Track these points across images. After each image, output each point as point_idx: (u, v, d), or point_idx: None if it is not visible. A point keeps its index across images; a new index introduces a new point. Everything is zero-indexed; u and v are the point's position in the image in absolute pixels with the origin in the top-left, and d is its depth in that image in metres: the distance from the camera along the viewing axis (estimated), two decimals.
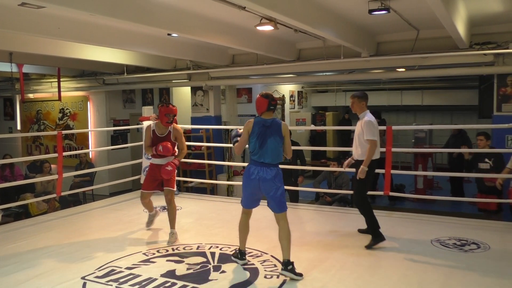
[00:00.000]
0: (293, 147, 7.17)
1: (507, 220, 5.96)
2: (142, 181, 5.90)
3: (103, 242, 4.87)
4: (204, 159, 9.36)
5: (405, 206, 9.32)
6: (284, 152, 4.12)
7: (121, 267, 4.04)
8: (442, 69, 7.69)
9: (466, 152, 6.99)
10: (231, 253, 4.36)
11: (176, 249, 4.60)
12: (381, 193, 6.43)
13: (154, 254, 4.44)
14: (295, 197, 7.38)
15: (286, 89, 14.21)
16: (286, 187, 7.00)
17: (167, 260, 4.25)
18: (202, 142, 9.46)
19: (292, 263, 3.80)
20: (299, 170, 7.34)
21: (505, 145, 6.84)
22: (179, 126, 5.18)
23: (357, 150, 4.77)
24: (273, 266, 4.08)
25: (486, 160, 6.21)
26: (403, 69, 8.34)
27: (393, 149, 5.89)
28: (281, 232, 3.96)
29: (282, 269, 3.83)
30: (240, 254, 4.20)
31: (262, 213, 6.30)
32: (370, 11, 5.13)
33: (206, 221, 5.80)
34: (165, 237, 4.90)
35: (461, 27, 5.73)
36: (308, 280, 3.76)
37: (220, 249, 4.56)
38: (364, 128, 4.64)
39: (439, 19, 5.00)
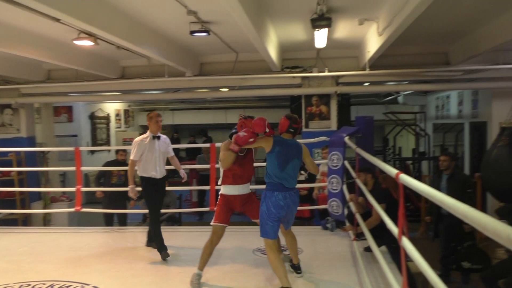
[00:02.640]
0: (124, 168, 6.95)
1: (318, 224, 6.72)
2: None
3: None
4: (14, 186, 8.27)
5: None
6: (312, 171, 4.10)
7: None
8: (259, 89, 8.36)
9: None
10: None
11: None
12: (207, 209, 6.60)
13: None
14: (123, 220, 7.07)
15: (112, 108, 13.62)
16: (116, 211, 6.74)
17: None
18: (12, 166, 8.35)
19: None
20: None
21: (313, 157, 7.73)
22: None
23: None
24: None
25: (302, 172, 6.90)
26: (226, 89, 8.79)
27: (218, 165, 6.11)
28: (293, 240, 4.07)
29: (298, 272, 4.05)
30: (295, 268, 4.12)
31: (83, 240, 5.88)
32: (191, 32, 5.29)
33: (15, 256, 5.07)
34: None
35: (273, 52, 6.32)
36: None
37: (33, 287, 4.05)
38: None
39: (253, 44, 5.43)
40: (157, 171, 4.77)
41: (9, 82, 8.44)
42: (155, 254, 5.03)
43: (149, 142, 4.74)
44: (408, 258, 4.48)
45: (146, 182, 4.76)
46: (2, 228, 6.80)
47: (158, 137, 4.84)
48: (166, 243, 5.34)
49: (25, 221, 8.58)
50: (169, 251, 4.75)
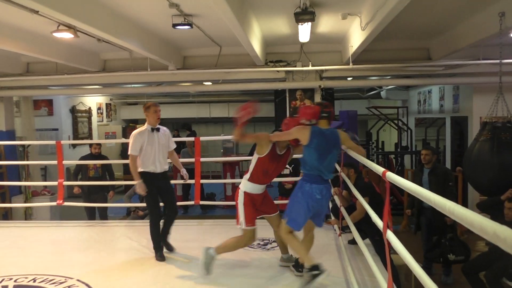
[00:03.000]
0: (103, 162, 6.95)
1: None
2: None
3: None
4: None
5: (216, 213, 9.74)
6: (360, 154, 3.67)
7: None
8: (243, 83, 8.35)
9: None
10: (30, 283, 3.87)
11: None
12: (191, 202, 6.59)
13: None
14: (104, 214, 7.02)
15: (93, 101, 13.43)
16: (98, 204, 6.70)
17: None
18: None
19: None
20: (110, 185, 7.02)
21: None
22: None
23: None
24: None
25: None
26: (209, 83, 8.75)
27: (202, 159, 6.11)
28: (311, 241, 3.92)
29: (299, 271, 3.83)
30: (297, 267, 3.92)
31: (65, 234, 5.81)
32: (174, 25, 5.25)
33: None
34: None
35: (256, 46, 6.31)
36: None
37: (15, 281, 3.99)
38: None
39: (237, 37, 5.41)
40: (157, 166, 4.47)
41: None
42: (139, 247, 5.01)
43: (148, 135, 4.45)
44: (391, 251, 4.56)
45: (145, 177, 4.44)
46: None
47: (158, 129, 4.55)
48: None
49: (6, 215, 8.44)
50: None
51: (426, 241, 5.87)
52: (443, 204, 1.54)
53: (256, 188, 3.85)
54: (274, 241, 5.10)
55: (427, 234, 5.86)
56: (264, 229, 5.76)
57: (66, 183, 6.52)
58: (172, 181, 8.91)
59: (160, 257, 4.46)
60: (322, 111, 3.61)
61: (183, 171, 4.96)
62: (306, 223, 3.67)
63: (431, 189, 5.54)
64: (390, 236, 2.34)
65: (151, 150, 4.43)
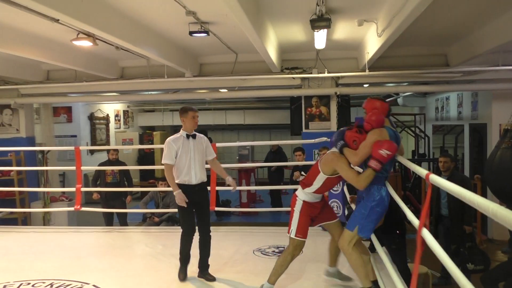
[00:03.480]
0: (121, 167, 7.04)
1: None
2: None
3: None
4: (14, 186, 8.26)
5: (231, 220, 9.75)
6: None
7: None
8: (259, 90, 8.36)
9: (297, 174, 6.82)
10: None
11: None
12: None
13: None
14: (124, 219, 7.12)
15: (111, 108, 13.61)
16: (114, 210, 6.78)
17: None
18: (12, 166, 8.35)
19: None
20: (127, 190, 7.11)
21: (313, 158, 7.73)
22: None
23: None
24: None
25: (303, 173, 6.88)
26: (225, 90, 8.79)
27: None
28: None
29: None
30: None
31: (82, 240, 5.88)
32: (191, 33, 5.30)
33: (15, 255, 5.11)
34: None
35: (272, 53, 6.32)
36: None
37: (33, 286, 4.05)
38: None
39: (253, 44, 5.43)
40: (192, 176, 4.06)
41: (8, 83, 8.44)
42: (155, 254, 5.04)
43: (182, 142, 4.08)
44: (408, 259, 4.47)
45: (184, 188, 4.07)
46: (2, 227, 6.83)
47: (194, 136, 4.17)
48: (166, 242, 5.36)
49: (25, 220, 8.57)
50: (170, 252, 4.70)
51: (444, 250, 5.76)
52: (486, 206, 1.54)
53: (315, 197, 3.67)
54: None
55: (445, 243, 5.75)
56: (278, 235, 5.76)
57: (84, 189, 6.61)
58: None
59: (182, 273, 4.14)
60: (390, 109, 3.48)
61: (229, 179, 4.47)
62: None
63: (449, 196, 5.47)
64: (426, 234, 2.35)
65: (186, 158, 4.06)
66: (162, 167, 4.13)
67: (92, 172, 10.92)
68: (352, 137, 3.44)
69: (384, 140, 3.20)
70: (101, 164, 7.29)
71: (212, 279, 4.13)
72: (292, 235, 3.62)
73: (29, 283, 4.10)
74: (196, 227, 4.21)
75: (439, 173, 5.81)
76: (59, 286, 4.01)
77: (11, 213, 8.07)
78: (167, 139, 4.14)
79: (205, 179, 4.20)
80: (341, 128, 3.65)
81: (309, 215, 3.65)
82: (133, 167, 8.92)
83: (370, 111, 3.42)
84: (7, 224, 7.39)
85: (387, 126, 3.36)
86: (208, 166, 4.55)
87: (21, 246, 5.54)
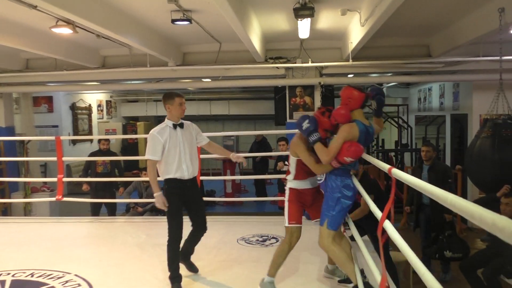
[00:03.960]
0: (112, 158, 6.96)
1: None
2: None
3: None
4: None
5: (216, 210, 9.76)
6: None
7: None
8: (243, 80, 8.32)
9: (281, 165, 6.78)
10: (28, 278, 3.87)
11: None
12: None
13: None
14: (113, 210, 7.09)
15: (93, 98, 13.41)
16: (101, 200, 6.71)
17: None
18: None
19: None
20: (119, 181, 7.05)
21: None
22: None
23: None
24: (77, 285, 3.77)
25: (286, 163, 6.88)
26: (209, 80, 8.73)
27: (202, 156, 6.11)
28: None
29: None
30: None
31: (64, 230, 5.82)
32: (173, 21, 5.23)
33: None
34: None
35: (256, 42, 6.29)
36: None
37: (13, 276, 4.00)
38: None
39: (237, 33, 5.39)
40: (184, 170, 3.63)
41: None
42: (138, 243, 5.01)
43: (169, 133, 3.61)
44: (390, 247, 4.52)
45: (170, 186, 3.64)
46: None
47: (181, 125, 3.71)
48: (150, 231, 5.34)
49: (5, 211, 8.44)
50: (154, 241, 4.67)
51: (424, 238, 5.87)
52: (444, 197, 1.55)
53: (303, 184, 3.57)
54: (273, 237, 5.11)
55: (425, 231, 5.85)
56: (262, 224, 5.79)
57: (65, 179, 6.53)
58: None
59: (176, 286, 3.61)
60: (366, 100, 3.27)
61: (234, 155, 4.21)
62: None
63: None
64: (388, 225, 2.36)
65: (175, 152, 3.62)
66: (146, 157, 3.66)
67: (75, 162, 10.84)
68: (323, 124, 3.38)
69: (353, 143, 3.12)
70: (91, 154, 7.17)
71: (196, 270, 3.99)
72: (286, 224, 3.55)
73: (9, 273, 4.04)
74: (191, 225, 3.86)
75: (421, 163, 5.89)
76: (40, 276, 3.97)
77: None
78: (151, 131, 3.64)
79: (196, 173, 3.77)
80: (309, 114, 3.50)
81: (299, 201, 3.56)
82: (119, 158, 8.84)
83: (345, 100, 3.26)
84: None
85: (358, 120, 3.20)
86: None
87: (1, 237, 5.46)
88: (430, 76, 8.38)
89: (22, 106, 9.74)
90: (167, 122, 3.67)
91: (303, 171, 3.53)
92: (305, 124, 3.25)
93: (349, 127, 3.15)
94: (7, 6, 4.55)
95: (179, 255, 3.70)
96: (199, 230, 3.87)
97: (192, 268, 3.99)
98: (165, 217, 3.69)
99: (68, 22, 5.20)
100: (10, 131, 8.87)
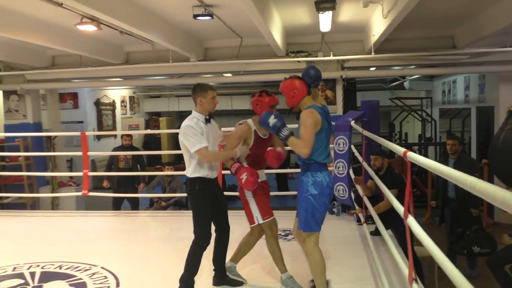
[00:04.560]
0: (134, 152, 7.04)
1: None
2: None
3: None
4: (22, 171, 8.35)
5: (237, 205, 9.78)
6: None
7: None
8: (264, 74, 8.31)
9: None
10: (57, 270, 3.98)
11: None
12: None
13: None
14: (135, 204, 7.18)
15: (117, 94, 13.63)
16: (125, 195, 6.81)
17: None
18: (19, 151, 8.43)
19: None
20: (141, 176, 7.13)
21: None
22: None
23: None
24: (103, 278, 3.85)
25: None
26: (230, 74, 8.76)
27: None
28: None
29: None
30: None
31: (90, 224, 5.95)
32: (195, 16, 5.27)
33: (24, 239, 5.18)
34: None
35: (277, 36, 6.28)
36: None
37: (42, 268, 4.12)
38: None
39: (258, 28, 5.39)
40: (213, 169, 3.38)
41: (14, 69, 8.47)
42: (162, 237, 5.09)
43: (203, 128, 3.31)
44: (414, 242, 4.48)
45: (200, 186, 3.34)
46: (12, 212, 6.94)
47: (209, 120, 3.45)
48: (173, 225, 5.40)
49: (34, 205, 8.67)
50: (177, 235, 4.71)
51: (450, 233, 5.77)
52: (464, 180, 1.50)
53: (261, 175, 3.44)
54: None
55: (451, 226, 5.76)
56: (285, 219, 5.79)
57: (91, 173, 6.66)
58: None
59: None
60: (309, 85, 3.13)
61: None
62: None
63: None
64: (411, 221, 2.30)
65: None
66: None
67: (100, 157, 11.05)
68: (256, 101, 3.40)
69: (249, 173, 3.20)
70: (114, 149, 7.27)
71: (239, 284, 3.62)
72: (260, 221, 3.41)
73: (38, 265, 4.17)
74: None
75: (446, 156, 5.79)
76: (68, 268, 4.07)
77: (20, 198, 8.17)
78: (186, 124, 3.27)
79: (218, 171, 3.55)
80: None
81: (262, 193, 3.45)
82: (141, 152, 8.97)
83: (291, 93, 3.11)
84: (16, 208, 7.51)
85: (313, 105, 3.05)
86: None
87: (31, 230, 5.63)
88: (455, 68, 8.22)
89: (48, 103, 9.99)
90: (198, 116, 3.34)
91: (254, 163, 3.43)
92: (272, 120, 3.00)
93: (310, 112, 2.98)
94: (34, 4, 4.66)
95: (200, 260, 3.43)
96: (224, 233, 3.61)
97: (234, 283, 3.63)
98: (188, 211, 3.68)
99: (93, 19, 5.29)
100: (37, 127, 9.10)
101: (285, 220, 5.75)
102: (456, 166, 5.56)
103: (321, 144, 3.05)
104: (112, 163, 7.23)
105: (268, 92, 3.46)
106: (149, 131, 13.08)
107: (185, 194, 6.89)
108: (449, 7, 5.79)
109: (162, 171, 7.45)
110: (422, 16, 5.92)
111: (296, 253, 4.31)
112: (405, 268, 2.71)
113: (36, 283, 3.76)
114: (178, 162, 11.30)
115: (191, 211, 3.46)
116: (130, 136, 7.10)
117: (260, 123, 3.13)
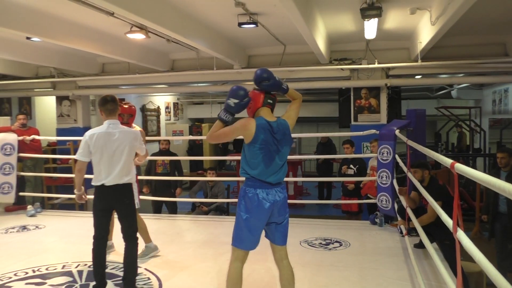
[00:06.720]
0: (171, 158, 7.22)
1: (365, 219, 6.61)
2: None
3: None
4: (71, 173, 8.69)
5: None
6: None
7: None
8: (307, 82, 8.30)
9: (345, 168, 6.75)
10: (111, 270, 4.10)
11: (38, 270, 4.20)
12: None
13: (10, 278, 3.99)
14: (173, 209, 7.31)
15: (162, 101, 14.01)
16: (164, 199, 6.96)
17: (26, 284, 3.85)
18: (70, 154, 8.80)
19: None
20: (178, 181, 7.26)
21: (362, 151, 7.60)
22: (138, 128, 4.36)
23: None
24: (147, 279, 3.95)
25: (351, 166, 6.78)
26: None
27: None
28: (287, 274, 3.16)
29: None
30: None
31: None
32: (240, 24, 5.35)
33: (73, 238, 5.39)
34: (23, 257, 4.45)
35: (321, 44, 6.26)
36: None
37: (89, 267, 4.27)
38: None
39: (302, 35, 5.40)
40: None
41: (66, 75, 8.89)
42: (203, 241, 5.16)
43: None
44: (461, 257, 4.30)
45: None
46: (62, 212, 7.23)
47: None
48: (214, 230, 5.45)
49: (82, 206, 9.00)
50: (218, 240, 4.73)
51: (500, 249, 5.50)
52: (507, 188, 1.43)
53: None
54: (336, 241, 5.05)
55: (502, 242, 5.49)
56: (325, 228, 5.74)
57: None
58: (236, 178, 9.20)
59: None
60: (268, 97, 2.99)
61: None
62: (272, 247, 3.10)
63: None
64: (461, 235, 2.20)
65: None
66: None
67: (144, 162, 11.32)
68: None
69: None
70: (153, 155, 7.47)
71: None
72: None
73: (85, 264, 4.33)
74: None
75: (497, 169, 5.55)
76: (113, 268, 4.21)
77: (69, 199, 8.51)
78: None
79: None
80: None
81: None
82: (182, 158, 9.14)
83: (249, 104, 2.98)
84: (65, 209, 7.82)
85: (260, 117, 2.91)
86: None
87: (79, 230, 5.84)
88: (507, 76, 7.87)
89: (97, 108, 10.38)
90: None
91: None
92: (233, 100, 2.90)
93: (245, 120, 2.88)
94: (87, 13, 4.88)
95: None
96: None
97: None
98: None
99: (142, 28, 5.48)
100: (87, 131, 9.43)
101: (326, 228, 5.72)
102: (508, 179, 5.31)
103: (255, 157, 2.85)
104: (150, 169, 7.40)
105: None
106: (193, 137, 13.32)
107: (226, 200, 6.99)
108: (501, 13, 5.58)
109: (204, 176, 7.54)
110: (472, 22, 5.74)
111: (336, 263, 4.26)
112: (451, 284, 2.61)
113: (83, 281, 3.91)
114: (220, 168, 11.45)
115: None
116: (167, 141, 7.27)
117: (230, 91, 3.00)
